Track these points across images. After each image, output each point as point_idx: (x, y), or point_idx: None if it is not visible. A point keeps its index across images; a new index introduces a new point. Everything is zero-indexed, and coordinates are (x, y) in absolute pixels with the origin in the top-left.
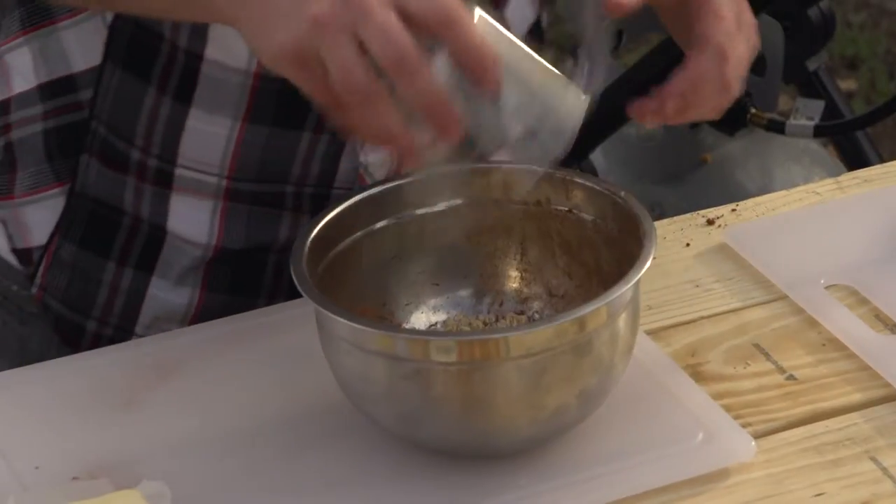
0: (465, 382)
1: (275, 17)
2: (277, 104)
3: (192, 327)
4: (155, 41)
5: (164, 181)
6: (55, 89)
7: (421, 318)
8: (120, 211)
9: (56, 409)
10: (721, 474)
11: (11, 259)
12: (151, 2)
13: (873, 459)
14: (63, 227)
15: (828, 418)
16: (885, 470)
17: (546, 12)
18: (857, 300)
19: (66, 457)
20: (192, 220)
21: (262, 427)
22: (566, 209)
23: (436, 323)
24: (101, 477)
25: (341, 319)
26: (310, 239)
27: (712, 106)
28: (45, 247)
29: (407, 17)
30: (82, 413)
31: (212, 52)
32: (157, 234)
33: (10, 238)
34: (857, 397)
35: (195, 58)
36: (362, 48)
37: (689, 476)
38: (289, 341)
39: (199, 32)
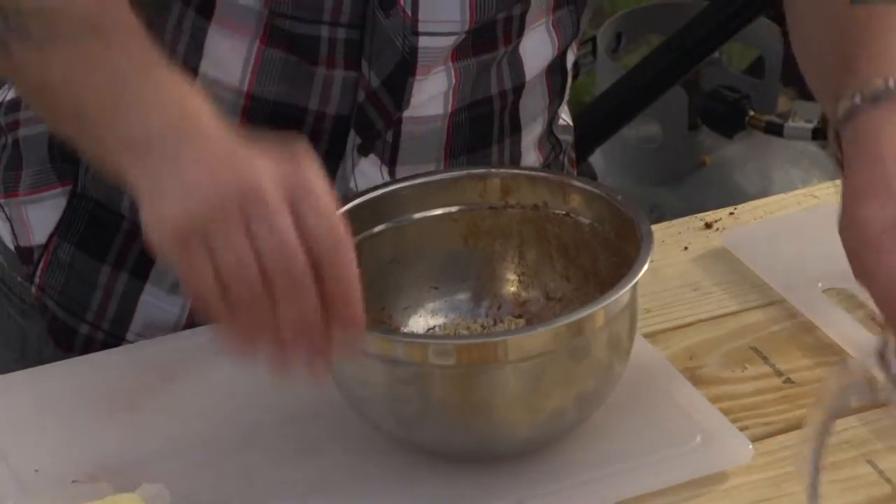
0: (464, 386)
1: (163, 196)
2: (270, 121)
3: (192, 330)
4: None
5: None
6: None
7: (419, 322)
8: (119, 215)
9: (56, 411)
10: (719, 477)
11: (15, 255)
12: (61, 123)
13: (870, 463)
14: (63, 228)
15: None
16: (881, 473)
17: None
18: (854, 304)
19: (66, 459)
20: None
21: (262, 430)
22: (564, 213)
23: (434, 326)
24: (101, 480)
25: None
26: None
27: None
28: (45, 246)
29: (298, 224)
30: (83, 416)
31: (206, 66)
32: None
33: (14, 235)
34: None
35: (192, 72)
36: (253, 242)
37: (687, 479)
38: None
39: (196, 42)
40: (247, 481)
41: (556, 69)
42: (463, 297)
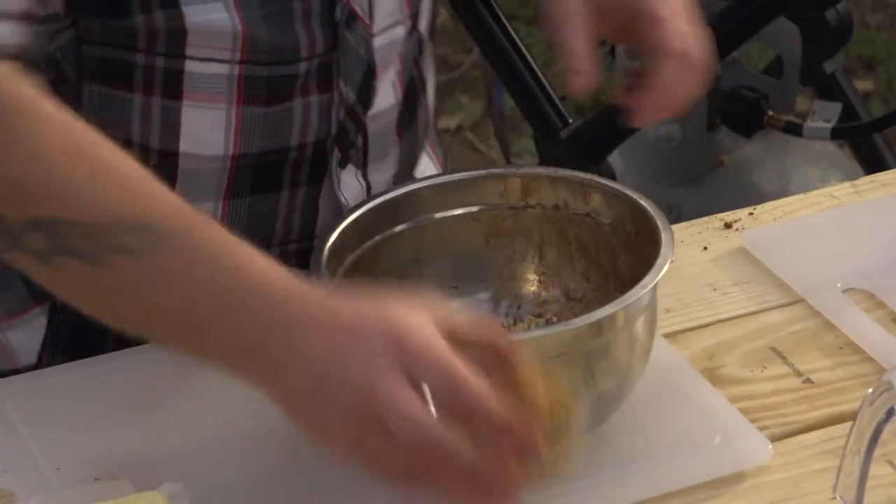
0: None
1: (316, 409)
2: (255, 174)
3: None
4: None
5: None
6: None
7: None
8: None
9: (78, 410)
10: (738, 477)
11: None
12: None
13: (890, 463)
14: (50, 345)
15: (845, 422)
16: (886, 458)
17: None
18: (874, 304)
19: (87, 458)
20: None
21: (282, 429)
22: (584, 213)
23: None
24: (123, 478)
25: None
26: (328, 244)
27: (693, 91)
28: (35, 366)
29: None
30: (105, 415)
31: (185, 146)
32: None
33: None
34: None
35: (169, 156)
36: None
37: (707, 479)
38: None
39: (169, 127)
40: (268, 479)
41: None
42: (483, 296)
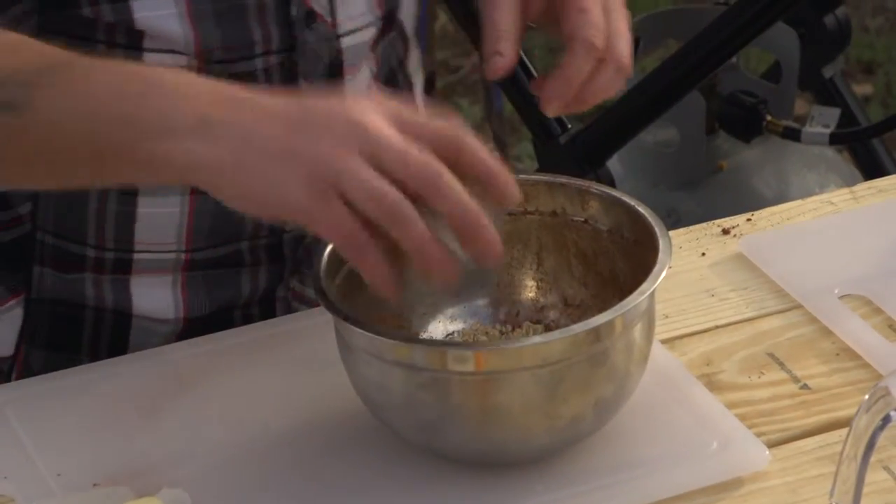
0: (483, 392)
1: (267, 177)
2: None
3: (212, 335)
4: None
5: (124, 268)
6: None
7: (438, 328)
8: (81, 306)
9: (79, 416)
10: (735, 483)
11: None
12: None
13: (887, 469)
14: (27, 336)
15: (842, 427)
16: (884, 465)
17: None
18: (871, 310)
19: (87, 464)
20: (154, 297)
21: (282, 435)
22: (582, 219)
23: (453, 332)
24: (122, 484)
25: (360, 330)
26: (328, 251)
27: (606, 87)
28: (14, 357)
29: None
30: (104, 420)
31: None
32: (123, 320)
33: None
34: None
35: None
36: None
37: (704, 485)
38: (308, 350)
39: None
40: (266, 486)
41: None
42: (481, 302)
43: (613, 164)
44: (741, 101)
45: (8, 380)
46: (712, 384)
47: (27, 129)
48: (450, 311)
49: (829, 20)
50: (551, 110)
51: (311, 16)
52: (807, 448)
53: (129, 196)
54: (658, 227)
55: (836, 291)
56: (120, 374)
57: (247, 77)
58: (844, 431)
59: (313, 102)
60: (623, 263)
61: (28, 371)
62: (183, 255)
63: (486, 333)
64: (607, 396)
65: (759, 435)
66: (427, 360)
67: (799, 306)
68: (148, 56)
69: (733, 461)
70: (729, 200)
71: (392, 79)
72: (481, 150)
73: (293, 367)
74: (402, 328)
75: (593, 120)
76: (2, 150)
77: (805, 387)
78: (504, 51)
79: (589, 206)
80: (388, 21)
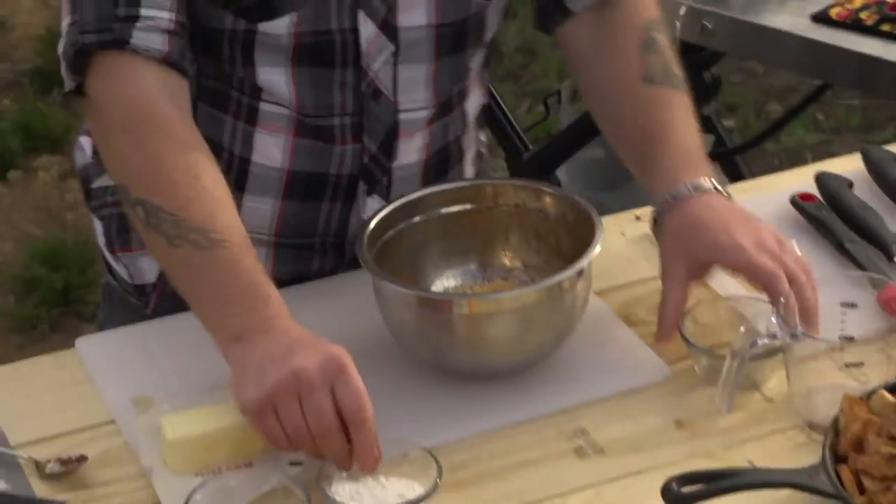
0: (477, 327)
1: (247, 377)
2: (304, 186)
3: (282, 290)
4: (217, 149)
5: None
6: None
7: (439, 284)
8: None
9: (195, 344)
10: (646, 388)
11: (131, 291)
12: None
13: (755, 387)
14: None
15: (721, 349)
16: (755, 384)
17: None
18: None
19: (203, 376)
20: None
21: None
22: (538, 209)
23: (448, 287)
24: (227, 388)
25: (391, 284)
26: (368, 230)
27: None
28: (155, 284)
29: (335, 394)
30: (212, 345)
31: (256, 157)
32: None
33: (131, 276)
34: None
35: (245, 161)
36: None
37: (624, 389)
38: (353, 298)
39: (247, 142)
40: None
41: (481, 114)
42: (468, 266)
43: (560, 173)
44: None
45: (149, 300)
46: (629, 321)
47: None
48: (448, 272)
49: (706, 75)
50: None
51: (377, 93)
52: (693, 365)
53: (238, 191)
54: (593, 214)
55: None
56: None
57: (326, 129)
58: (722, 352)
59: (299, 347)
60: (566, 239)
61: (164, 294)
62: (273, 239)
63: (471, 288)
64: (562, 329)
65: (661, 356)
66: (438, 306)
67: None
68: (262, 105)
69: (643, 373)
70: (640, 199)
71: (444, 149)
72: (367, 428)
73: (342, 310)
74: (417, 283)
75: (545, 143)
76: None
77: (695, 322)
78: (671, 333)
79: (542, 200)
80: (445, 108)
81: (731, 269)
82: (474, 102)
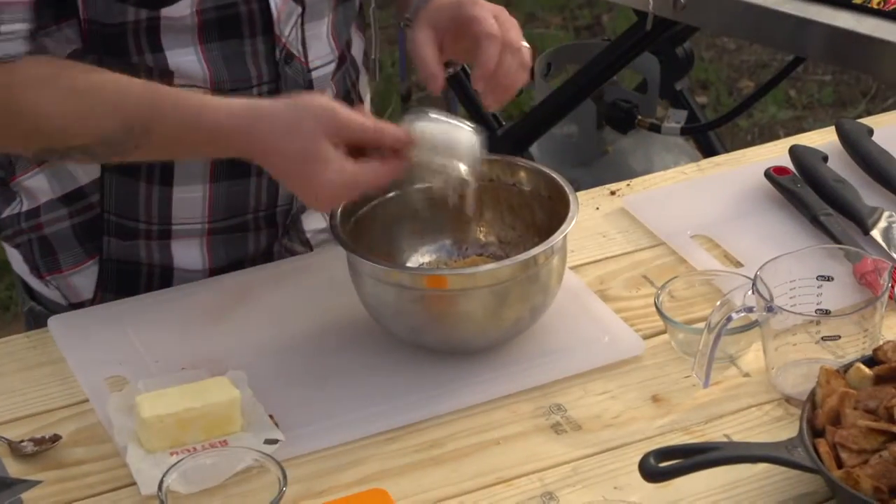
0: (452, 303)
1: (304, 185)
2: (230, 165)
3: (258, 267)
4: None
5: (165, 236)
6: (72, 198)
7: (415, 260)
8: (138, 263)
9: (170, 321)
10: (622, 363)
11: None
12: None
13: (735, 365)
14: (102, 285)
15: (696, 323)
16: (732, 359)
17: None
18: (713, 245)
19: (176, 354)
20: (188, 256)
21: (308, 335)
22: (511, 183)
23: (423, 263)
24: (201, 367)
25: (366, 261)
26: (342, 206)
27: (515, 72)
28: (92, 300)
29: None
30: (187, 324)
31: None
32: (167, 272)
33: (64, 297)
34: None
35: None
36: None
37: (600, 364)
38: (327, 276)
39: None
40: (302, 368)
41: (365, 58)
42: (443, 242)
43: (533, 149)
44: (620, 105)
45: None
46: (604, 296)
47: (147, 149)
48: (422, 248)
49: (679, 51)
50: (489, 104)
51: (289, 57)
52: (669, 339)
53: (166, 186)
54: (567, 189)
55: (689, 233)
56: (195, 294)
57: None
58: (698, 326)
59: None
60: (541, 214)
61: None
62: (206, 226)
63: (446, 263)
64: (537, 304)
65: (637, 331)
66: (414, 281)
67: (663, 243)
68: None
69: (619, 349)
70: (613, 173)
71: (347, 97)
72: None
73: (317, 287)
74: (392, 259)
75: (518, 120)
76: (129, 157)
77: (671, 297)
78: (436, 72)
79: (517, 174)
80: (342, 58)
81: (461, 23)
82: (358, 46)
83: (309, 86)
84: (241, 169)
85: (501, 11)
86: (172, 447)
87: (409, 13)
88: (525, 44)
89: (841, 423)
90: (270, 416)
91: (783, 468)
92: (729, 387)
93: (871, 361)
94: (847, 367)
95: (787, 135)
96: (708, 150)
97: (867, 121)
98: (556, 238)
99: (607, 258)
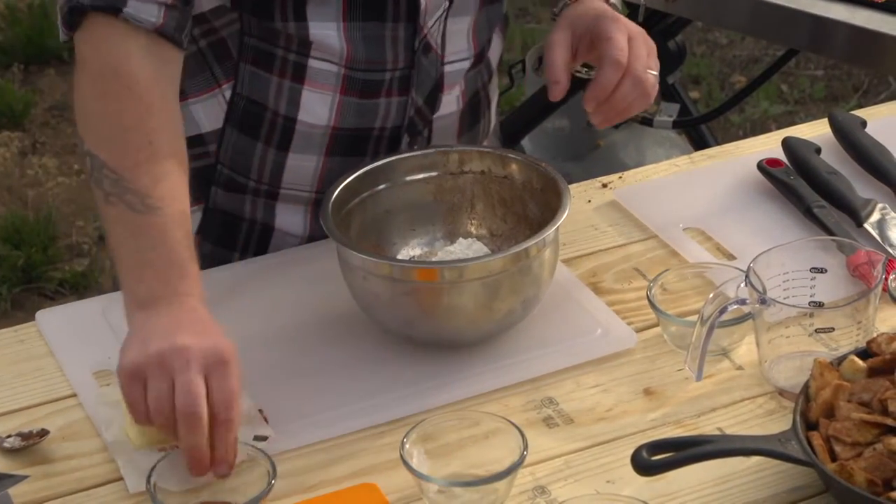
0: (443, 295)
1: (133, 342)
2: (349, 141)
3: (248, 260)
4: (262, 110)
5: (273, 197)
6: (191, 143)
7: (404, 253)
8: (241, 218)
9: None
10: (614, 356)
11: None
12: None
13: (728, 358)
14: (203, 232)
15: (689, 316)
16: (725, 352)
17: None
18: (705, 238)
19: None
20: (291, 220)
21: (301, 328)
22: (503, 176)
23: (414, 255)
24: None
25: (356, 253)
26: (332, 197)
27: (634, 100)
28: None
29: (208, 384)
30: None
31: (302, 115)
32: (266, 231)
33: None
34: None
35: (290, 120)
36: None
37: (593, 357)
38: (319, 268)
39: (293, 101)
40: (290, 362)
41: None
42: (433, 235)
43: (525, 143)
44: None
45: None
46: (597, 289)
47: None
48: (413, 241)
49: (671, 45)
50: (596, 123)
51: (427, 47)
52: (661, 332)
53: (283, 150)
54: (559, 181)
55: (681, 225)
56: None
57: (375, 84)
58: (690, 319)
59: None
60: (532, 206)
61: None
62: (313, 195)
63: (437, 256)
64: (529, 297)
65: (629, 324)
66: (404, 274)
67: (655, 236)
68: (311, 62)
69: (611, 342)
70: (605, 167)
71: (475, 96)
72: (232, 428)
73: (308, 279)
74: (382, 252)
75: (510, 113)
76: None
77: (662, 290)
78: (559, 79)
79: (508, 166)
80: (479, 58)
81: (595, 36)
82: (496, 49)
83: (440, 78)
84: (359, 145)
85: (639, 35)
86: (160, 443)
87: (557, 8)
88: (653, 72)
89: (835, 415)
90: (260, 411)
91: (776, 461)
92: (722, 380)
93: (864, 354)
94: (841, 360)
95: (780, 130)
96: (700, 145)
97: (860, 113)
98: (548, 231)
99: (599, 251)
